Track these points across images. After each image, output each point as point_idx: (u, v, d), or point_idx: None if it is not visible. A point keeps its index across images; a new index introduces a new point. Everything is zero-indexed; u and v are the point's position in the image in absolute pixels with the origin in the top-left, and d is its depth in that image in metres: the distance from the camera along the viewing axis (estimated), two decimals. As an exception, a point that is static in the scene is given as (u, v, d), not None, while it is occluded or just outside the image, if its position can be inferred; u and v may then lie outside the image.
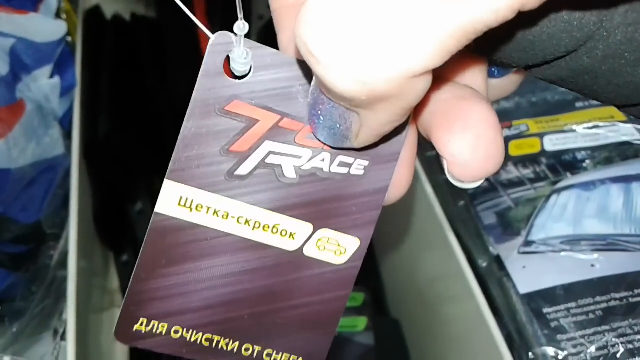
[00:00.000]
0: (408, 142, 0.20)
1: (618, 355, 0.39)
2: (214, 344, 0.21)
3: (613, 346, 0.39)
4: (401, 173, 0.21)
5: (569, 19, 0.15)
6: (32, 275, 0.42)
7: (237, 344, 0.21)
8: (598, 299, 0.41)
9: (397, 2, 0.13)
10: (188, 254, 0.20)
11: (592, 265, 0.43)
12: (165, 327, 0.20)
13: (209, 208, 0.19)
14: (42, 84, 0.48)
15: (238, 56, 0.18)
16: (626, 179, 0.48)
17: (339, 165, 0.20)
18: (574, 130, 0.52)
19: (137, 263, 0.19)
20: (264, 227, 0.20)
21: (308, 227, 0.20)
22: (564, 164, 0.50)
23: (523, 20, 0.15)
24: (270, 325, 0.21)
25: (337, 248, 0.21)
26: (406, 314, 0.64)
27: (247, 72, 0.18)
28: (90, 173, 0.58)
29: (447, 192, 0.51)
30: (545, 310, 0.41)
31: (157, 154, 0.64)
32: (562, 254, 0.44)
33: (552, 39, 0.15)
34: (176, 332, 0.20)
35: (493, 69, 0.20)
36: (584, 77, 0.16)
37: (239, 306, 0.21)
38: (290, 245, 0.20)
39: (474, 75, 0.19)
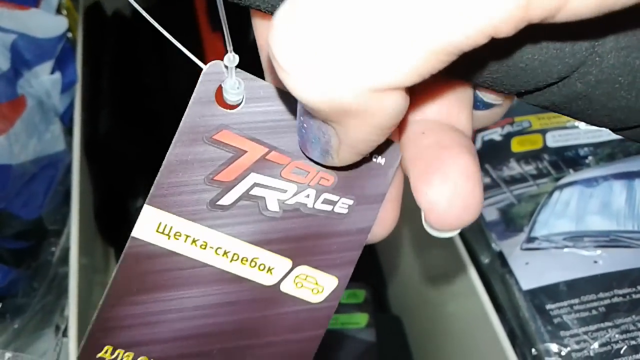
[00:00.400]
0: (395, 181, 0.20)
1: (621, 352, 0.39)
2: None
3: (616, 342, 0.39)
4: (387, 211, 0.20)
5: (560, 45, 0.15)
6: (33, 271, 0.41)
7: None
8: (601, 295, 0.41)
9: (363, 19, 0.13)
10: (161, 282, 0.19)
11: (595, 262, 0.43)
12: (131, 357, 0.20)
13: (187, 236, 0.19)
14: (43, 80, 0.48)
15: (230, 87, 0.18)
16: (628, 176, 0.47)
17: (323, 202, 0.19)
18: (576, 127, 0.52)
19: (107, 289, 0.19)
20: (242, 259, 0.19)
21: (287, 263, 0.20)
22: (566, 160, 0.50)
23: (511, 47, 0.15)
24: None
25: (315, 286, 0.20)
26: (407, 311, 0.64)
27: (240, 101, 0.18)
28: (91, 169, 0.58)
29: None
30: (548, 307, 0.41)
31: (157, 150, 0.64)
32: (565, 250, 0.44)
33: (543, 65, 0.15)
34: None
35: (478, 103, 0.20)
36: (577, 102, 0.16)
37: (210, 340, 0.20)
38: (267, 280, 0.20)
39: (460, 110, 0.19)
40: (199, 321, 0.20)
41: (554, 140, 0.51)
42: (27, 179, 0.44)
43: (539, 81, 0.16)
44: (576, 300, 0.41)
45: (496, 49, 0.13)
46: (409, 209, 0.59)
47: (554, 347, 0.39)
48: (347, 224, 0.20)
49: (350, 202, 0.20)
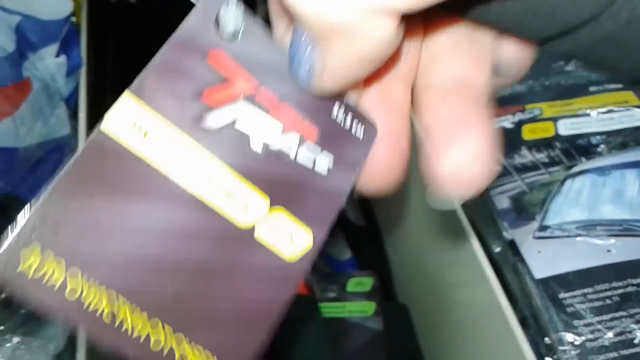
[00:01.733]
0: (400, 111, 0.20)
1: (635, 341, 0.38)
2: (117, 323, 0.16)
3: (630, 332, 0.39)
4: (386, 156, 0.19)
5: None
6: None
7: (147, 331, 0.16)
8: (615, 284, 0.41)
9: None
10: (124, 188, 0.16)
11: (608, 251, 0.43)
12: (62, 278, 0.15)
13: (164, 144, 0.17)
14: (48, 63, 0.47)
15: (227, 15, 0.17)
16: (641, 164, 0.47)
17: (304, 155, 0.19)
18: (588, 115, 0.51)
19: (55, 181, 0.15)
20: (217, 187, 0.17)
21: (264, 202, 0.18)
22: (578, 149, 0.49)
23: None
24: (195, 314, 0.17)
25: (290, 242, 0.19)
26: (414, 299, 0.63)
27: (237, 33, 0.17)
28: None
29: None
30: (561, 296, 0.41)
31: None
32: (578, 239, 0.43)
33: (574, 3, 0.14)
34: (73, 291, 0.15)
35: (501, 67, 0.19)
36: (605, 47, 0.15)
37: (165, 277, 0.17)
38: (241, 218, 0.18)
39: (480, 73, 0.19)
40: (157, 249, 0.17)
41: (566, 128, 0.50)
42: (32, 163, 0.44)
43: (568, 22, 0.15)
44: (590, 290, 0.41)
45: None
46: (417, 197, 0.59)
47: (568, 336, 0.39)
48: (325, 183, 0.19)
49: (329, 163, 0.19)
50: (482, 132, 0.17)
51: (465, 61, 0.19)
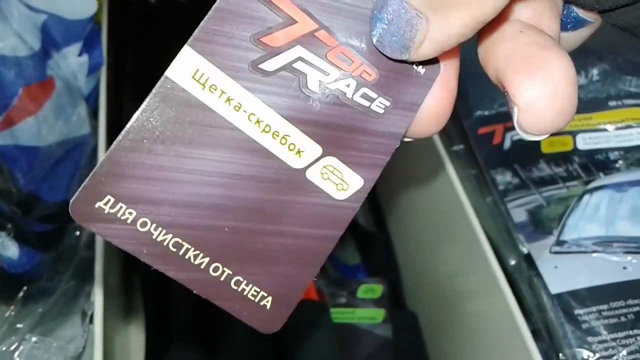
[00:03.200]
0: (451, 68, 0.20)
1: (650, 360, 0.38)
2: (181, 252, 0.18)
3: (645, 351, 0.39)
4: (441, 96, 0.20)
5: None
6: (58, 255, 0.41)
7: (207, 259, 0.18)
8: (630, 302, 0.41)
9: None
10: (187, 135, 0.18)
11: (624, 268, 0.42)
12: (133, 214, 0.17)
13: (223, 92, 0.18)
14: (71, 62, 0.47)
15: None
16: (658, 182, 0.47)
17: (361, 97, 0.19)
18: (606, 130, 0.51)
19: (125, 129, 0.17)
20: (273, 133, 0.18)
21: (317, 149, 0.19)
22: (596, 164, 0.49)
23: None
24: (249, 248, 0.19)
25: (340, 182, 0.19)
26: (423, 307, 0.63)
27: None
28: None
29: (476, 186, 0.50)
30: (577, 312, 0.41)
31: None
32: (594, 255, 0.43)
33: None
34: (143, 224, 0.18)
35: (567, 21, 0.19)
36: None
37: (223, 215, 0.18)
38: (295, 162, 0.19)
39: (551, 18, 0.19)
40: (217, 190, 0.18)
41: (584, 142, 0.50)
42: (53, 162, 0.44)
43: None
44: (605, 306, 0.41)
45: None
46: (432, 206, 0.59)
47: (582, 352, 0.39)
48: (381, 125, 0.19)
49: (388, 103, 0.19)
50: (566, 66, 0.17)
51: (539, 6, 0.18)
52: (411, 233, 0.65)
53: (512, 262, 0.45)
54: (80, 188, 0.17)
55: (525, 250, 0.45)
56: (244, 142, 0.18)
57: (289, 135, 0.18)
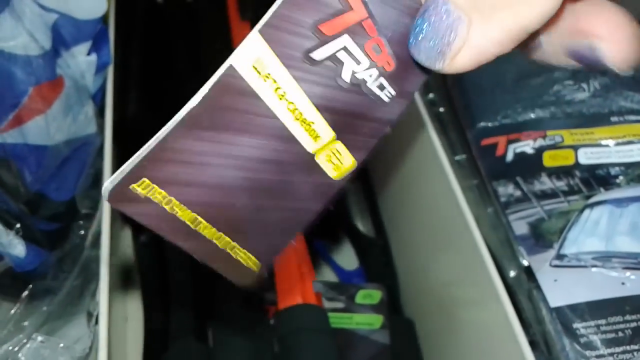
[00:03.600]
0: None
1: (646, 376, 0.39)
2: (194, 226, 0.19)
3: (641, 366, 0.39)
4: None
5: None
6: (63, 254, 0.41)
7: (213, 230, 0.20)
8: (628, 317, 0.41)
9: None
10: (234, 123, 0.18)
11: (623, 283, 0.43)
12: (162, 194, 0.18)
13: (274, 82, 0.18)
14: (80, 61, 0.48)
15: None
16: (658, 198, 0.47)
17: (377, 86, 0.20)
18: (607, 145, 0.52)
19: (184, 116, 0.17)
20: (303, 120, 0.19)
21: (330, 134, 0.20)
22: (597, 179, 0.50)
23: None
24: (250, 221, 0.20)
25: (338, 164, 0.21)
26: (420, 314, 0.64)
27: None
28: (117, 152, 0.57)
29: (477, 197, 0.51)
30: (575, 326, 0.41)
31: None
32: (594, 269, 0.44)
33: None
34: (169, 202, 0.19)
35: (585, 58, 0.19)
36: None
37: (238, 194, 0.20)
38: (311, 146, 0.20)
39: None
40: (242, 173, 0.19)
41: (586, 157, 0.51)
42: (60, 161, 0.44)
43: None
44: (603, 321, 0.41)
45: None
46: (432, 215, 0.59)
47: (580, 366, 0.40)
48: (383, 112, 0.20)
49: (394, 92, 0.20)
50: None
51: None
52: (411, 240, 0.65)
53: (512, 274, 0.46)
54: (120, 171, 0.17)
55: (525, 262, 0.45)
56: (278, 130, 0.19)
57: (313, 122, 0.19)
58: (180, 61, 0.66)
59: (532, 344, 0.42)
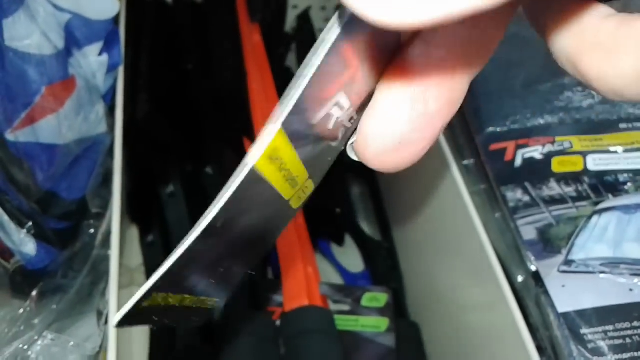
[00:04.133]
0: None
1: (653, 383, 0.39)
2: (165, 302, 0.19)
3: (649, 373, 0.39)
4: None
5: None
6: (73, 252, 0.41)
7: (179, 297, 0.19)
8: (635, 324, 0.42)
9: None
10: (246, 214, 0.17)
11: (631, 290, 0.43)
12: (162, 297, 0.18)
13: (283, 163, 0.17)
14: (92, 61, 0.48)
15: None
16: (666, 205, 0.47)
17: (348, 120, 0.18)
18: (616, 152, 0.52)
19: (204, 225, 0.16)
20: (290, 178, 0.18)
21: (305, 177, 0.19)
22: (606, 185, 0.50)
23: None
24: (225, 274, 0.20)
25: (304, 197, 0.20)
26: (426, 318, 0.64)
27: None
28: (126, 153, 0.58)
29: (485, 202, 0.51)
30: (583, 331, 0.41)
31: (191, 138, 0.64)
32: (602, 275, 0.44)
33: None
34: (165, 298, 0.18)
35: None
36: None
37: (228, 260, 0.19)
38: (289, 194, 0.19)
39: None
40: (239, 243, 0.19)
41: (595, 163, 0.51)
42: (71, 160, 0.44)
43: None
44: (611, 327, 0.41)
45: None
46: (441, 219, 0.59)
47: (588, 372, 0.40)
48: (340, 144, 0.19)
49: (357, 117, 0.18)
50: None
51: None
52: (417, 243, 0.65)
53: (520, 279, 0.46)
54: (129, 303, 0.17)
55: (533, 267, 0.46)
56: (279, 205, 0.18)
57: (297, 176, 0.18)
58: (190, 62, 0.66)
59: (540, 349, 0.42)
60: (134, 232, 0.63)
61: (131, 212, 0.61)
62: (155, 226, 0.62)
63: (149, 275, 0.57)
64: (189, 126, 0.63)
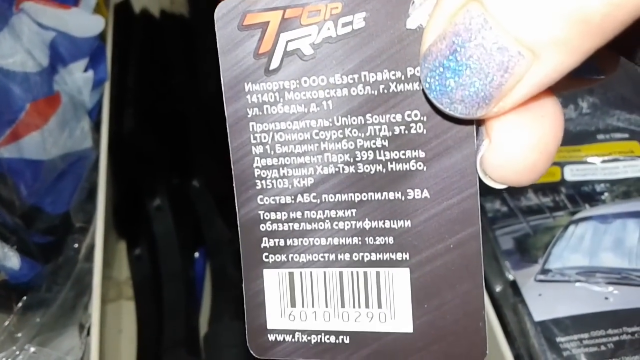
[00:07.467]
0: None
1: (627, 389, 0.40)
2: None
3: (623, 380, 0.40)
4: None
5: None
6: (57, 266, 0.42)
7: None
8: (610, 331, 0.42)
9: None
10: None
11: (606, 298, 0.44)
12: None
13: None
14: (77, 77, 0.49)
15: None
16: (642, 215, 0.48)
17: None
18: (593, 163, 0.53)
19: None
20: None
21: None
22: (582, 195, 0.51)
23: None
24: None
25: None
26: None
27: None
28: (113, 167, 0.58)
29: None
30: (558, 339, 0.42)
31: (178, 152, 0.64)
32: (577, 284, 0.45)
33: None
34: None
35: (590, 69, 0.17)
36: None
37: None
38: None
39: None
40: None
41: (572, 174, 0.52)
42: (56, 175, 0.45)
43: None
44: (586, 335, 0.42)
45: None
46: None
47: (562, 380, 0.40)
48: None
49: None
50: None
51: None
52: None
53: (498, 289, 0.47)
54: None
55: (511, 277, 0.46)
56: None
57: None
58: (177, 77, 0.67)
59: (517, 357, 0.43)
60: (122, 246, 0.64)
61: (118, 225, 0.61)
62: (142, 239, 0.62)
63: (136, 288, 0.58)
64: (176, 139, 0.64)
